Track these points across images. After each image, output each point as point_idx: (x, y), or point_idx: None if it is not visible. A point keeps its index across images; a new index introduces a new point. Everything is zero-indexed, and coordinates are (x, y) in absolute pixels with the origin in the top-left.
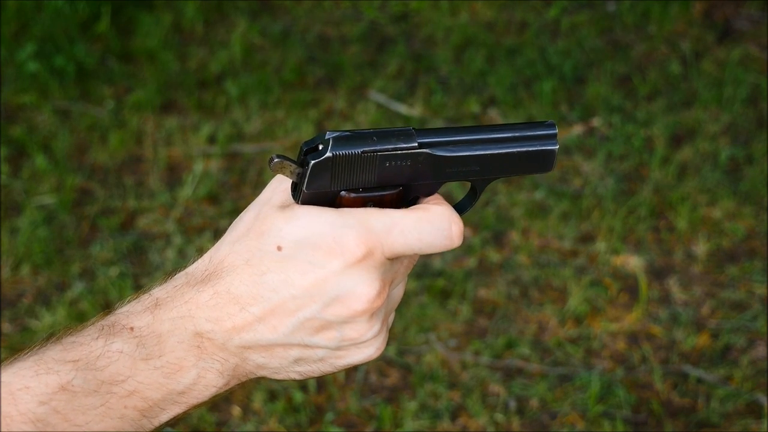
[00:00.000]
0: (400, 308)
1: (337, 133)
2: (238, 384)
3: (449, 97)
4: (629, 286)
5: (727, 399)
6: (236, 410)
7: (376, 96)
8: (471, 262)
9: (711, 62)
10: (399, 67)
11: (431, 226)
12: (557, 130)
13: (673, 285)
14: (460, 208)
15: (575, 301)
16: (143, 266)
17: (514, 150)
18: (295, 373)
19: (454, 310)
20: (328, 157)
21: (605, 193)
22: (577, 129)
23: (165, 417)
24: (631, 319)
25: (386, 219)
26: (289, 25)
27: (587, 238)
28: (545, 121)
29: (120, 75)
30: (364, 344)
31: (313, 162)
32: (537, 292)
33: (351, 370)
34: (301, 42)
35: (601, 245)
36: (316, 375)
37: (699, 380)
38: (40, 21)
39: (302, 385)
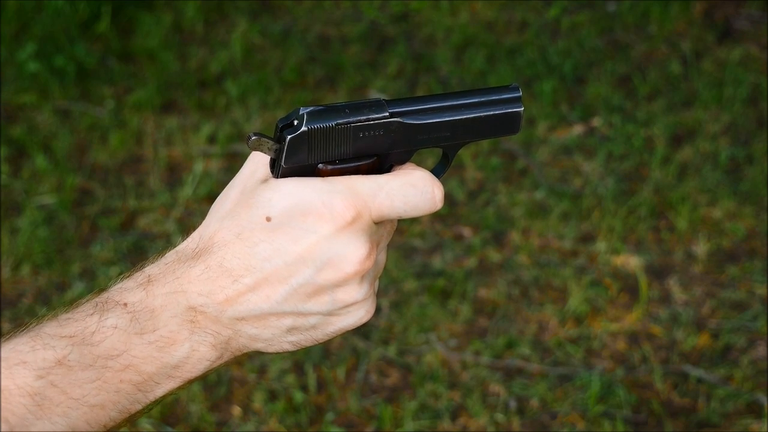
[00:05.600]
0: (401, 308)
1: (311, 108)
2: (232, 358)
3: None
4: (629, 286)
5: (727, 399)
6: (236, 410)
7: (376, 96)
8: (471, 262)
9: (711, 62)
10: (399, 67)
11: (415, 189)
12: (521, 93)
13: (674, 285)
14: (434, 174)
15: (575, 301)
16: None
17: (482, 114)
18: (288, 343)
19: (455, 310)
20: (304, 132)
21: (605, 193)
22: (578, 129)
23: (160, 391)
24: (631, 319)
25: (372, 183)
26: (290, 25)
27: (587, 238)
28: (510, 85)
29: (120, 75)
30: (355, 306)
31: (289, 137)
32: (537, 292)
33: (352, 370)
34: (301, 42)
35: (601, 245)
36: (308, 344)
37: (699, 380)
38: (41, 21)
39: (302, 385)
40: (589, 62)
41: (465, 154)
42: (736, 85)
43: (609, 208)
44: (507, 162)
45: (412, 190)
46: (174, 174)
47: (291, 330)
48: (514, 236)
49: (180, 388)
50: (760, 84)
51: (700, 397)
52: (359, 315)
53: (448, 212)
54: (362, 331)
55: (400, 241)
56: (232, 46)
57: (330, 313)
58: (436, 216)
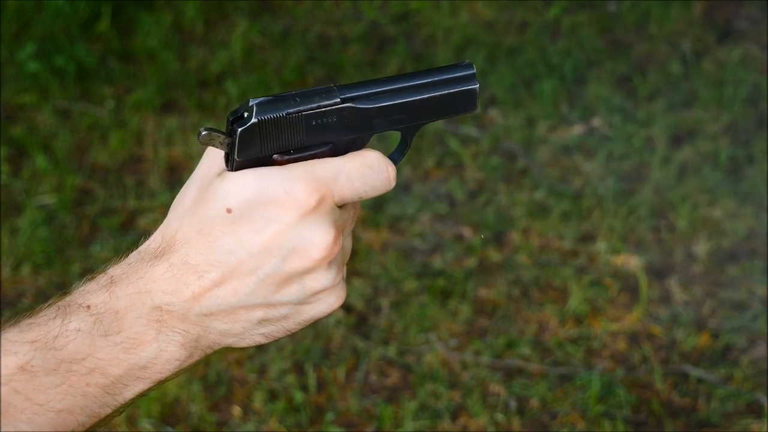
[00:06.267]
0: (401, 308)
1: (261, 99)
2: (204, 356)
3: None
4: (629, 286)
5: (727, 399)
6: (236, 410)
7: None
8: (471, 262)
9: (711, 62)
10: (399, 66)
11: (371, 169)
12: (475, 70)
13: (674, 285)
14: (393, 158)
15: (575, 301)
16: None
17: (437, 93)
18: (260, 335)
19: (455, 310)
20: (254, 123)
21: (605, 193)
22: (578, 129)
23: (129, 393)
24: (631, 319)
25: (331, 167)
26: (290, 25)
27: (587, 238)
28: (463, 62)
29: (120, 75)
30: (324, 293)
31: (240, 130)
32: (537, 292)
33: (352, 370)
34: (301, 42)
35: (601, 245)
36: (281, 335)
37: (699, 380)
38: (41, 21)
39: (302, 385)
40: (589, 62)
41: (465, 154)
42: (736, 85)
43: (609, 208)
44: (507, 162)
45: (369, 170)
46: (174, 174)
47: (262, 322)
48: (514, 236)
49: (150, 389)
50: (760, 84)
51: (700, 397)
52: (330, 302)
53: (448, 212)
54: (362, 331)
55: (400, 241)
56: (232, 46)
57: (300, 302)
58: (436, 216)
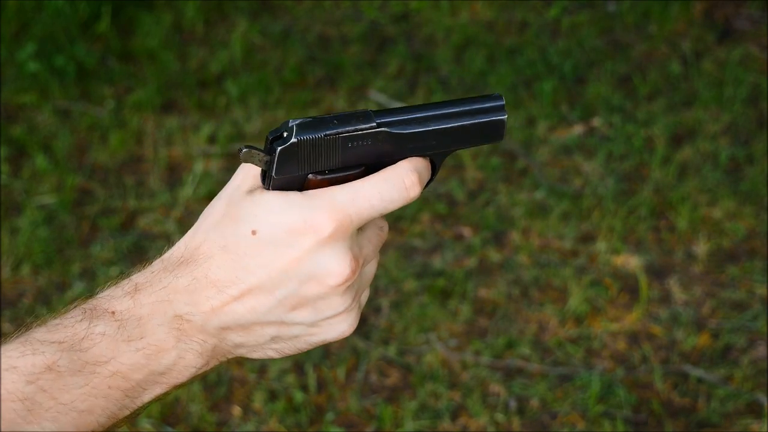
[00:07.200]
0: (401, 308)
1: (300, 120)
2: (218, 363)
3: (450, 96)
4: (629, 286)
5: (727, 399)
6: (236, 410)
7: (376, 96)
8: (471, 262)
9: (711, 62)
10: (399, 66)
11: (388, 183)
12: (504, 101)
13: (674, 285)
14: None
15: (575, 301)
16: None
17: (468, 123)
18: (272, 350)
19: (455, 310)
20: (294, 143)
21: (605, 193)
22: (578, 129)
23: (147, 397)
24: (631, 319)
25: (349, 190)
26: (290, 25)
27: (587, 238)
28: (493, 94)
29: (120, 75)
30: (336, 319)
31: (279, 149)
32: (537, 292)
33: (352, 370)
34: (301, 42)
35: (601, 245)
36: (291, 352)
37: (699, 380)
38: (41, 21)
39: (302, 385)
40: (589, 62)
41: (465, 154)
42: (736, 85)
43: (609, 208)
44: (507, 162)
45: (385, 184)
46: (174, 174)
47: (274, 338)
48: (514, 236)
49: (166, 393)
50: (760, 84)
51: (700, 397)
52: (341, 329)
53: (448, 212)
54: (362, 331)
55: (400, 241)
56: (232, 46)
57: (312, 325)
58: (436, 216)
